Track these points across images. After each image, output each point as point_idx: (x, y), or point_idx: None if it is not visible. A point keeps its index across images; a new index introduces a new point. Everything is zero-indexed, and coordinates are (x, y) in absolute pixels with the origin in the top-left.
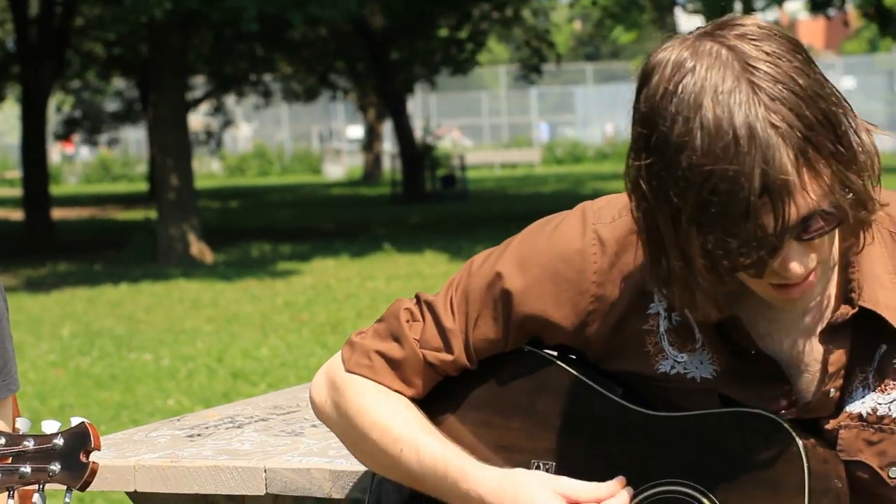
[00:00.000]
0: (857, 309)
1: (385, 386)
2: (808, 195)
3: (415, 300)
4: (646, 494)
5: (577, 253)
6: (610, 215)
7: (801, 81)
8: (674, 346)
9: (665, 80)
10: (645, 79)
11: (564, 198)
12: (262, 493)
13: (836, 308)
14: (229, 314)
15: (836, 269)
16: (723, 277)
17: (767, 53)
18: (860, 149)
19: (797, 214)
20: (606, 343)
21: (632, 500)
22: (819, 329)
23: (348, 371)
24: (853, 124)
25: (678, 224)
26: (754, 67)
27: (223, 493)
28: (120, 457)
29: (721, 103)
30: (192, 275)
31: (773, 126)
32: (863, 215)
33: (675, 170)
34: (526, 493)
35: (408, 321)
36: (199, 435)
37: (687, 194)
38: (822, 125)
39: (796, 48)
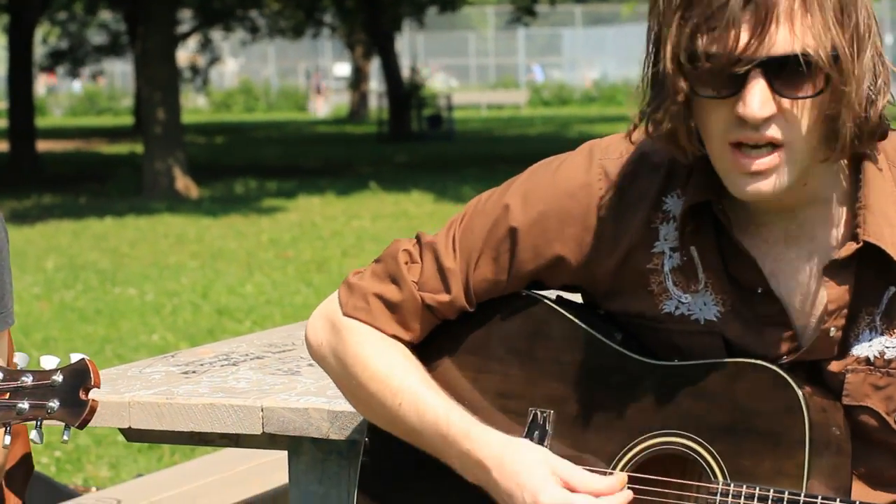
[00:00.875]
0: (861, 244)
1: (383, 331)
2: (799, 36)
3: (414, 240)
4: (644, 445)
5: (582, 187)
6: (618, 151)
7: None
8: (678, 286)
9: None
10: None
11: (550, 140)
12: (259, 431)
13: (842, 245)
14: (214, 250)
15: (845, 207)
16: (683, 71)
17: None
18: (873, 52)
19: (776, 41)
20: (611, 281)
21: (630, 449)
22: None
23: (346, 315)
24: (873, 33)
25: (666, 13)
26: None
27: (218, 431)
28: (114, 392)
29: None
30: (177, 210)
31: None
32: (846, 105)
33: None
34: (526, 467)
35: (406, 263)
36: (193, 372)
37: None
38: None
39: None
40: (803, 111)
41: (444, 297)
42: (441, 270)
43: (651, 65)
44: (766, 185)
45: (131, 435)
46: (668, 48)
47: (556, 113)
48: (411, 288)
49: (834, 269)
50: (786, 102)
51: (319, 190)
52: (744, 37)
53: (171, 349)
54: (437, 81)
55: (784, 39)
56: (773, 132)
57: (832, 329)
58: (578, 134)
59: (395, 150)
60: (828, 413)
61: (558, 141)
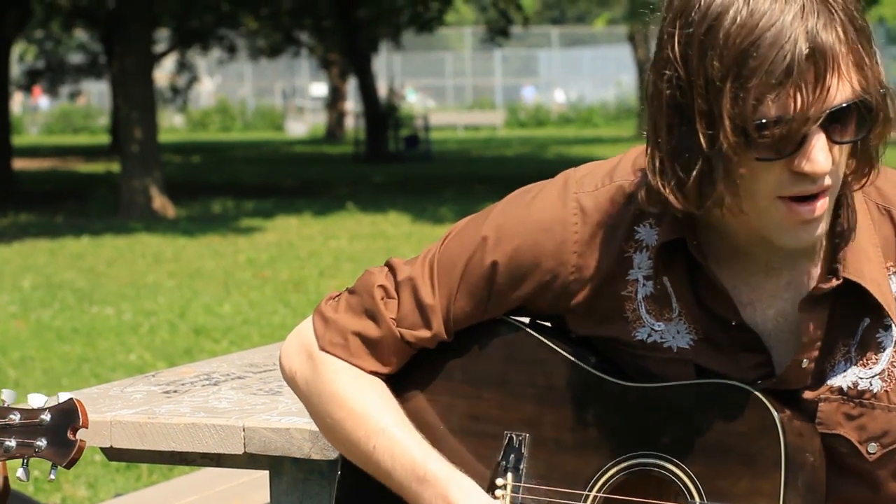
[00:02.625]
0: (841, 280)
1: (361, 368)
2: (851, 79)
3: (387, 272)
4: (620, 466)
5: (558, 222)
6: (593, 183)
7: None
8: (651, 314)
9: None
10: None
11: (527, 162)
12: (241, 451)
13: (821, 280)
14: (191, 270)
15: (824, 241)
16: (749, 143)
17: None
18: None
19: (836, 92)
20: (586, 309)
21: (606, 471)
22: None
23: (322, 349)
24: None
25: (712, 84)
26: None
27: (199, 451)
28: (96, 412)
29: None
30: (154, 229)
31: (830, 9)
32: (879, 134)
33: (718, 31)
34: None
35: (383, 298)
36: (175, 391)
37: (726, 52)
38: (862, 19)
39: None
40: (843, 153)
41: (425, 334)
42: (420, 307)
43: (678, 136)
44: (813, 233)
45: (112, 454)
46: (727, 122)
47: (532, 134)
48: (390, 325)
49: (810, 303)
50: (836, 147)
51: (297, 210)
52: (808, 95)
53: (149, 369)
54: (415, 99)
55: (840, 88)
56: (827, 181)
57: (804, 360)
58: (555, 155)
59: (372, 171)
60: (804, 438)
61: (535, 162)
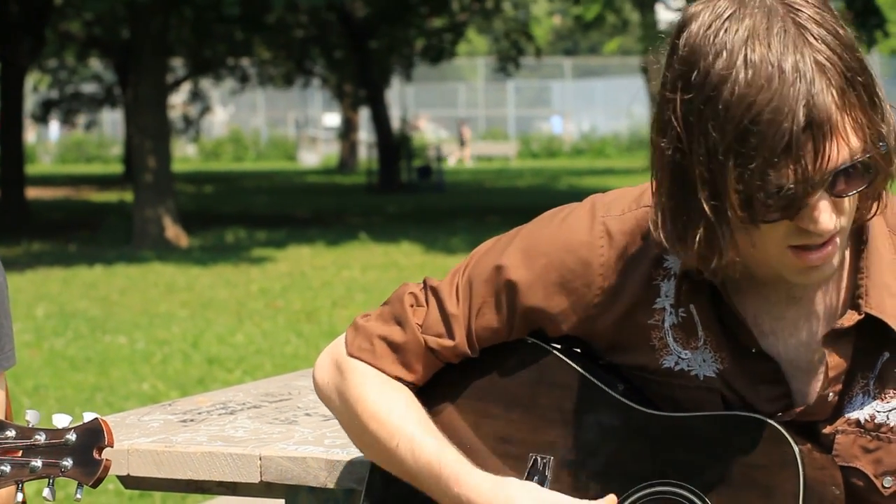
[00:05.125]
0: (863, 315)
1: (386, 372)
2: (849, 141)
3: (421, 285)
4: (641, 494)
5: (584, 245)
6: (620, 208)
7: (841, 31)
8: (678, 342)
9: (707, 24)
10: (683, 25)
11: (540, 193)
12: (257, 480)
13: (843, 313)
14: (204, 299)
15: (846, 273)
16: (755, 214)
17: (808, 2)
18: (887, 112)
19: (837, 157)
20: (612, 336)
21: (627, 497)
22: (821, 332)
23: (350, 355)
24: (880, 89)
25: (714, 157)
26: (798, 11)
27: (216, 480)
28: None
29: (767, 39)
30: (167, 258)
31: (818, 63)
32: (884, 178)
33: (717, 102)
34: (516, 502)
35: (412, 306)
36: (192, 420)
37: (727, 126)
38: (860, 73)
39: (831, 9)
40: (852, 199)
41: (448, 343)
42: (444, 316)
43: (680, 197)
44: (826, 272)
45: (129, 482)
46: (734, 196)
47: (545, 165)
48: (415, 330)
49: (835, 338)
50: (844, 201)
51: (309, 240)
52: (809, 164)
53: (162, 398)
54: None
55: (840, 151)
56: (835, 227)
57: (830, 394)
58: (568, 186)
59: (385, 201)
60: (827, 471)
61: (548, 193)
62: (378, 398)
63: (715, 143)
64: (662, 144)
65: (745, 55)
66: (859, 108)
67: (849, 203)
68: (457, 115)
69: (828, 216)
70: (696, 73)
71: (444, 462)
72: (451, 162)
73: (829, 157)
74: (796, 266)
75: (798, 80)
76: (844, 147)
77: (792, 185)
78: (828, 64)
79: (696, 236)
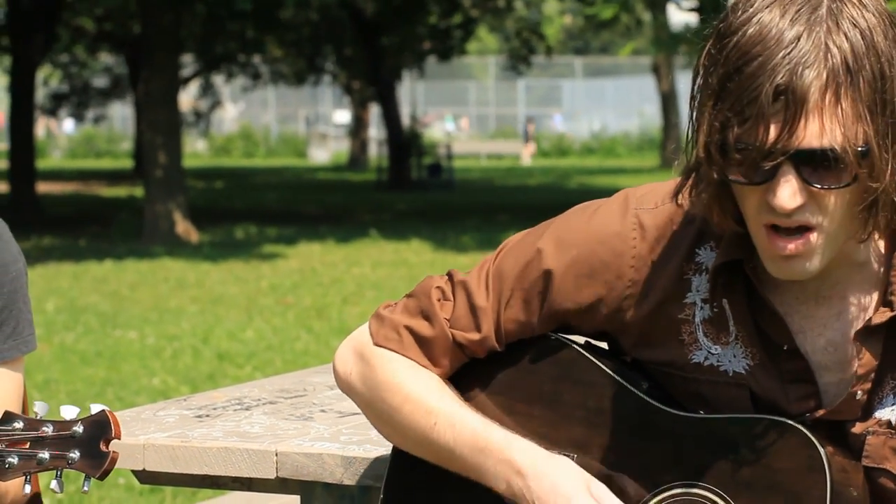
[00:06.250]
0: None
1: (413, 361)
2: (825, 130)
3: (446, 278)
4: (665, 495)
5: (616, 236)
6: (653, 201)
7: (876, 37)
8: (708, 336)
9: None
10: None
11: (550, 191)
12: (273, 476)
13: (875, 310)
14: (214, 295)
15: (879, 270)
16: (715, 162)
17: (857, 3)
18: None
19: (803, 136)
20: (641, 330)
21: (651, 499)
22: (852, 331)
23: (377, 345)
24: None
25: (702, 98)
26: (844, 4)
27: (231, 475)
28: (129, 435)
29: (788, 8)
30: (177, 254)
31: (825, 47)
32: (876, 194)
33: (722, 49)
34: (562, 477)
35: (439, 300)
36: (207, 416)
37: (719, 70)
38: (875, 79)
39: (891, 20)
40: (835, 198)
41: (475, 336)
42: (473, 309)
43: (690, 137)
44: (798, 268)
45: (145, 477)
46: (701, 138)
47: (555, 164)
48: (443, 325)
49: (865, 335)
50: (819, 194)
51: (319, 237)
52: (773, 130)
53: (173, 393)
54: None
55: (813, 133)
56: (805, 218)
57: (859, 392)
58: (579, 185)
59: (395, 198)
60: (848, 474)
61: (558, 192)
62: (411, 381)
63: (706, 86)
64: (694, 92)
65: (761, 16)
66: (852, 105)
67: (833, 203)
68: (467, 114)
69: (789, 193)
70: (723, 24)
71: (491, 431)
72: (525, 160)
73: (796, 132)
74: (770, 251)
75: (793, 49)
76: (821, 131)
77: (752, 144)
78: (834, 52)
79: (700, 189)
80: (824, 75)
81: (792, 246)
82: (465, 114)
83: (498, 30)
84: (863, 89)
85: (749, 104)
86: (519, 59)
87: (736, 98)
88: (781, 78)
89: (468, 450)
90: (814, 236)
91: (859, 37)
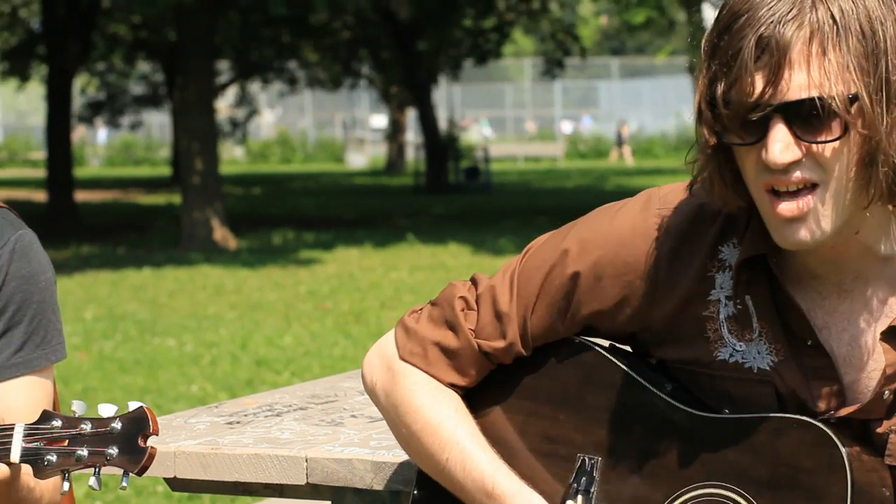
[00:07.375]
0: None
1: (439, 379)
2: (811, 79)
3: (469, 284)
4: (689, 496)
5: (640, 236)
6: (676, 200)
7: (869, 3)
8: (733, 333)
9: None
10: None
11: (587, 193)
12: (303, 482)
13: None
14: (252, 301)
15: None
16: (707, 118)
17: None
18: None
19: (788, 88)
20: (666, 329)
21: (675, 499)
22: (879, 328)
23: (402, 359)
24: None
25: (700, 63)
26: None
27: (262, 482)
28: (160, 442)
29: None
30: (215, 261)
31: (810, 2)
32: (874, 152)
33: (719, 17)
34: None
35: (463, 310)
36: (238, 422)
37: (714, 31)
38: (865, 36)
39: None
40: (834, 153)
41: (501, 343)
42: (498, 316)
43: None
44: (804, 232)
45: (176, 485)
46: (696, 96)
47: (592, 165)
48: (468, 335)
49: (892, 335)
50: (812, 146)
51: (357, 241)
52: (759, 83)
53: (210, 400)
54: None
55: (799, 84)
56: (803, 174)
57: (886, 392)
58: (616, 186)
59: (432, 202)
60: (876, 473)
61: (595, 193)
62: (429, 409)
63: (703, 51)
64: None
65: None
66: (838, 61)
67: (830, 158)
68: (504, 116)
69: (780, 147)
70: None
71: (498, 479)
72: (627, 160)
73: (780, 83)
74: (774, 217)
75: (778, 3)
76: (807, 81)
77: (739, 98)
78: (822, 8)
79: (698, 157)
80: (807, 27)
81: (794, 205)
82: (502, 116)
83: (533, 32)
84: (851, 44)
85: (734, 57)
86: (553, 62)
87: (723, 54)
88: (764, 30)
89: (476, 491)
90: (815, 196)
91: (855, 7)
